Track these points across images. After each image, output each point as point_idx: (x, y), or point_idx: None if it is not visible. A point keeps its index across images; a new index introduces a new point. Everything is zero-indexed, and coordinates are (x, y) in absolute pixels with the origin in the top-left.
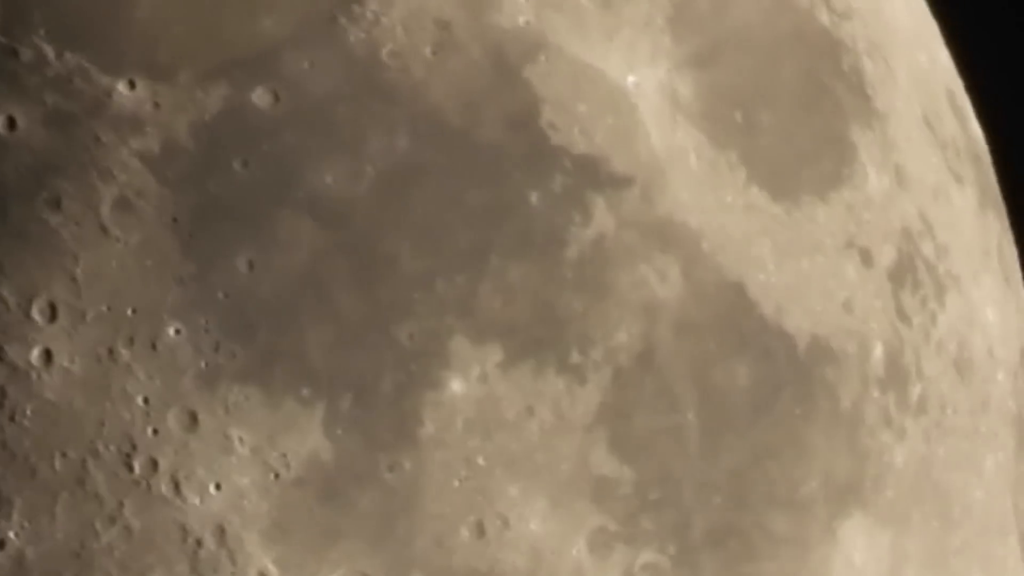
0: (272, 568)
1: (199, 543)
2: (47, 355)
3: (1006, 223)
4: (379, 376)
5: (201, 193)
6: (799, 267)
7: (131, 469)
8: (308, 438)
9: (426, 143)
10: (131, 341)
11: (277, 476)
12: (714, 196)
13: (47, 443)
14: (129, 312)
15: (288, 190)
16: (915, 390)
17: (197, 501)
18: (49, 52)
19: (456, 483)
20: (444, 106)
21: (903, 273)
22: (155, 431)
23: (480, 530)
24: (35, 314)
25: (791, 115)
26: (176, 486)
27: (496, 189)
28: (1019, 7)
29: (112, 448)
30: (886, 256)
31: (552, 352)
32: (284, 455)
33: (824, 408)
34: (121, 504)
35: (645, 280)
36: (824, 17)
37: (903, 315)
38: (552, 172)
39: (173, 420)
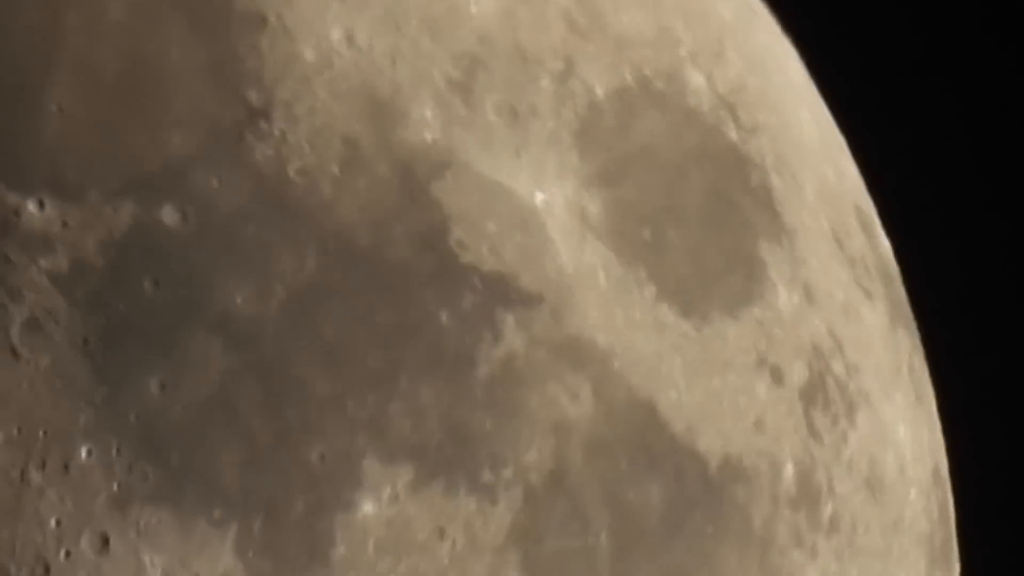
0: None
1: None
2: None
3: (917, 339)
4: (290, 497)
5: (111, 313)
6: (709, 385)
7: None
8: (220, 560)
9: (334, 262)
10: (43, 464)
11: None
12: (623, 314)
13: None
14: (40, 434)
15: (198, 310)
16: (827, 509)
17: None
18: None
19: None
20: (352, 224)
21: (814, 391)
22: (68, 553)
23: None
24: None
25: (699, 232)
26: None
27: (405, 308)
28: (926, 118)
29: (25, 571)
30: (797, 374)
31: (463, 472)
32: None
33: (735, 528)
34: None
35: (555, 399)
36: (731, 133)
37: (814, 433)
38: (461, 290)
39: (85, 543)
